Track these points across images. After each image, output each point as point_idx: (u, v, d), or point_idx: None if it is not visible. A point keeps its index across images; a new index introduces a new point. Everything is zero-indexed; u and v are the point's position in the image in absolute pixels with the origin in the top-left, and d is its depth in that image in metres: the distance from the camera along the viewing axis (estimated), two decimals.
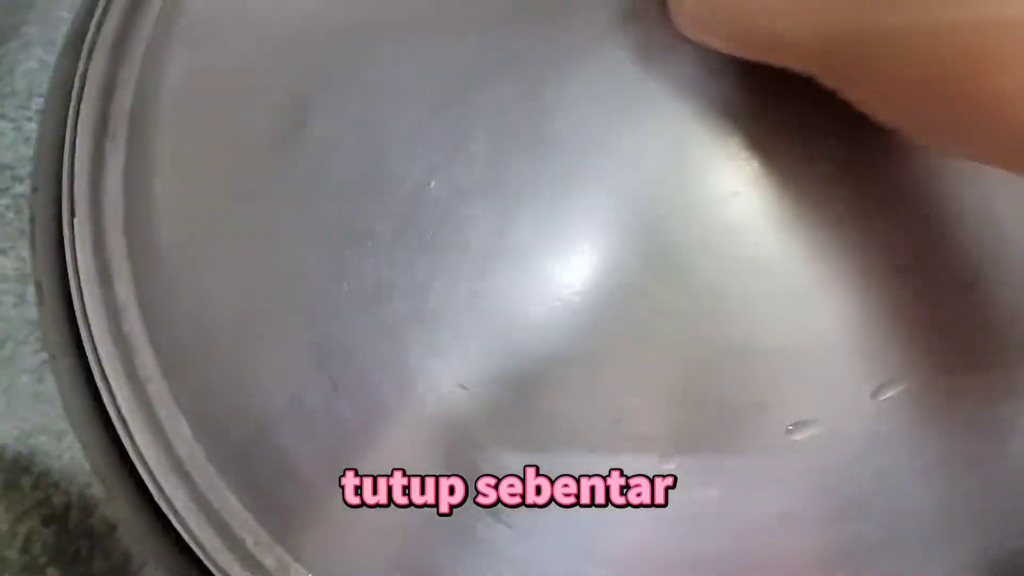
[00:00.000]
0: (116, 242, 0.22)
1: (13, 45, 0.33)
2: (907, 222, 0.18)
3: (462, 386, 0.18)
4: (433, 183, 0.18)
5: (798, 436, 0.18)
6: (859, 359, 0.18)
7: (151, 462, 0.21)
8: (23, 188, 0.28)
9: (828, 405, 0.18)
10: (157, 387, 0.21)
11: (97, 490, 0.27)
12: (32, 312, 0.27)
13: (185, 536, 0.20)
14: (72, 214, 0.21)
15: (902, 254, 0.18)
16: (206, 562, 0.20)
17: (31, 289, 0.28)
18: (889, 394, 0.18)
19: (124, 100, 0.22)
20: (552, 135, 0.18)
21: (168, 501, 0.20)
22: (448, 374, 0.19)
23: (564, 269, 0.18)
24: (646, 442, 0.18)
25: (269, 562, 0.19)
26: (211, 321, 0.21)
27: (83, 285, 0.22)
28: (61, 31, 0.23)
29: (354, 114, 0.19)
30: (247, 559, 0.20)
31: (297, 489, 0.20)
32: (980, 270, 0.18)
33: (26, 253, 0.27)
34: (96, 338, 0.22)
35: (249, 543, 0.20)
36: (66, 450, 0.27)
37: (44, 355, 0.27)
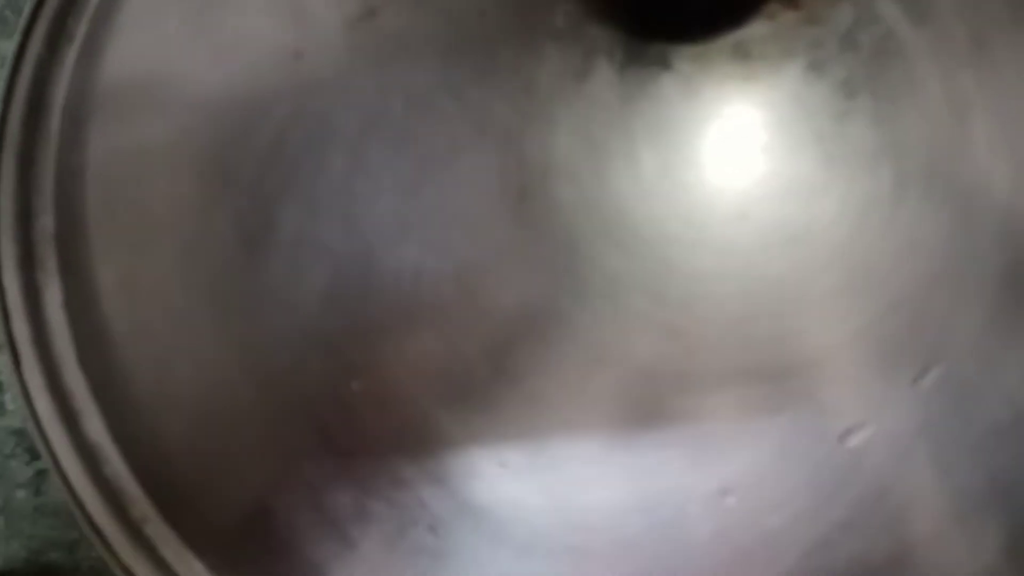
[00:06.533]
0: (74, 380, 0.19)
1: None
2: None
3: None
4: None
5: None
6: None
7: None
8: None
9: None
10: (154, 529, 0.19)
11: None
12: (13, 421, 0.25)
13: None
14: (17, 362, 0.19)
15: None
16: None
17: (8, 397, 0.25)
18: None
19: (45, 224, 0.19)
20: None
21: None
22: None
23: None
24: None
25: None
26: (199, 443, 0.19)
27: (46, 431, 0.19)
28: None
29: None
30: None
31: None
32: None
33: None
34: (76, 488, 0.19)
35: None
36: (83, 560, 0.26)
37: (38, 464, 0.25)
